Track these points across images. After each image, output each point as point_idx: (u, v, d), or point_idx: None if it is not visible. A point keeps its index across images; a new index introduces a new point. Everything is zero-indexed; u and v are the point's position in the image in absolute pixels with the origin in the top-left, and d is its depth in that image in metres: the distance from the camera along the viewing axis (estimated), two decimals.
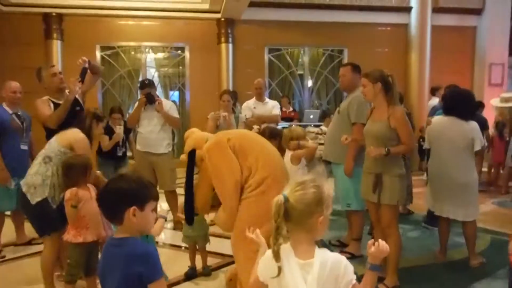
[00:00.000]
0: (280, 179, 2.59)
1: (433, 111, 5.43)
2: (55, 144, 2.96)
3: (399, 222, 3.24)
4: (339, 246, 4.08)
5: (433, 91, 7.46)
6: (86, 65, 3.66)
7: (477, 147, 3.47)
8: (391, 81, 3.12)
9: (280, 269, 1.42)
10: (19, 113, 4.06)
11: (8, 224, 4.23)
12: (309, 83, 9.57)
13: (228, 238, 3.02)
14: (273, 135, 3.68)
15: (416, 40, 8.96)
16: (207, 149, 2.67)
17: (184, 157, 2.94)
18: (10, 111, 3.99)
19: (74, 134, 3.00)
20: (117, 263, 1.56)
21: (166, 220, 2.00)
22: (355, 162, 3.64)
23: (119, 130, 4.84)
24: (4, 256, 3.90)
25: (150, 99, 4.48)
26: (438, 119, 3.78)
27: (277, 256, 1.44)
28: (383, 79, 3.12)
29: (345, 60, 9.17)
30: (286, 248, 1.47)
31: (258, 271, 1.54)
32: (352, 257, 3.67)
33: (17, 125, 4.00)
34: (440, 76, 8.55)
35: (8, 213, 4.20)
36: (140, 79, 8.29)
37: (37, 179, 2.89)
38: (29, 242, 4.23)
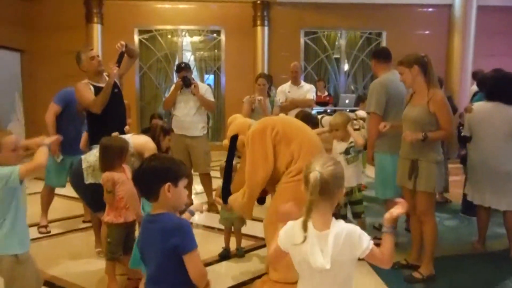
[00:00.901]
0: None
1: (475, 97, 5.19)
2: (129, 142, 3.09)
3: (436, 211, 3.17)
4: (378, 230, 4.05)
5: (474, 76, 7.12)
6: (124, 49, 3.73)
7: None
8: (427, 62, 3.03)
9: (305, 238, 1.52)
10: None
11: (56, 201, 4.43)
12: (346, 67, 9.38)
13: (262, 221, 3.06)
14: (305, 121, 3.66)
15: (460, 21, 8.54)
16: (252, 132, 2.75)
17: (226, 142, 3.01)
18: None
19: (147, 142, 3.20)
20: (155, 238, 1.67)
21: (192, 216, 2.05)
22: (380, 150, 3.58)
23: None
24: (49, 232, 4.09)
25: (186, 82, 4.53)
26: (480, 105, 3.62)
27: (305, 226, 1.53)
28: (418, 62, 3.02)
29: (383, 44, 8.91)
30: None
31: (279, 240, 1.63)
32: None
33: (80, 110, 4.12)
34: (484, 60, 8.11)
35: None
36: (177, 62, 8.38)
37: (99, 166, 3.03)
38: None
